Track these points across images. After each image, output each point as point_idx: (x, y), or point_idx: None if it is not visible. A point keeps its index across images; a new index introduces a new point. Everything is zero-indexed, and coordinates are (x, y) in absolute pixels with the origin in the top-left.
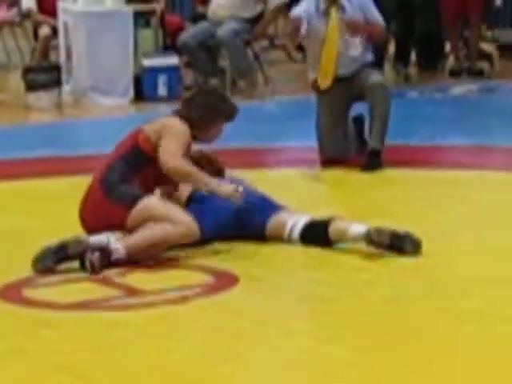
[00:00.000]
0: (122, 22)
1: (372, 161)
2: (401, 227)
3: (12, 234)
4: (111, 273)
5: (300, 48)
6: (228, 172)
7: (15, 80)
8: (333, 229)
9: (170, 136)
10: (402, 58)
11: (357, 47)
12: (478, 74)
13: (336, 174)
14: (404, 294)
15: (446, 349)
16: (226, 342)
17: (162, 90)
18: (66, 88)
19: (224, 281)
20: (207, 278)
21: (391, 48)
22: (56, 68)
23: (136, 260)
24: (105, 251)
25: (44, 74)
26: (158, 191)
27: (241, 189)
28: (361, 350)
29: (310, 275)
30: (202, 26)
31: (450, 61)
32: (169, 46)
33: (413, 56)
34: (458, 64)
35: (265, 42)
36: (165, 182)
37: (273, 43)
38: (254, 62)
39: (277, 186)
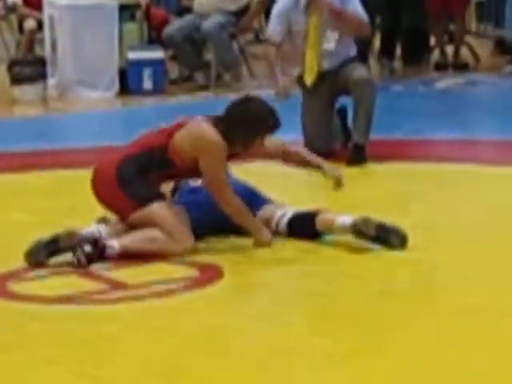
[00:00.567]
0: (107, 16)
1: (357, 155)
2: (386, 221)
3: None
4: (97, 267)
5: None
6: None
7: (0, 73)
8: (320, 220)
9: (213, 158)
10: (387, 51)
11: (330, 41)
12: (463, 67)
13: None
14: (393, 287)
15: (438, 341)
16: (214, 336)
17: (148, 84)
18: (52, 81)
19: (209, 274)
20: (192, 272)
21: (376, 42)
22: (41, 61)
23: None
24: (98, 245)
25: (29, 68)
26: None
27: (272, 242)
28: (352, 343)
29: (297, 268)
30: (188, 19)
31: (435, 55)
32: (154, 40)
33: (398, 50)
34: (443, 58)
35: (250, 36)
36: (179, 179)
37: (258, 37)
38: (239, 56)
39: (261, 180)
